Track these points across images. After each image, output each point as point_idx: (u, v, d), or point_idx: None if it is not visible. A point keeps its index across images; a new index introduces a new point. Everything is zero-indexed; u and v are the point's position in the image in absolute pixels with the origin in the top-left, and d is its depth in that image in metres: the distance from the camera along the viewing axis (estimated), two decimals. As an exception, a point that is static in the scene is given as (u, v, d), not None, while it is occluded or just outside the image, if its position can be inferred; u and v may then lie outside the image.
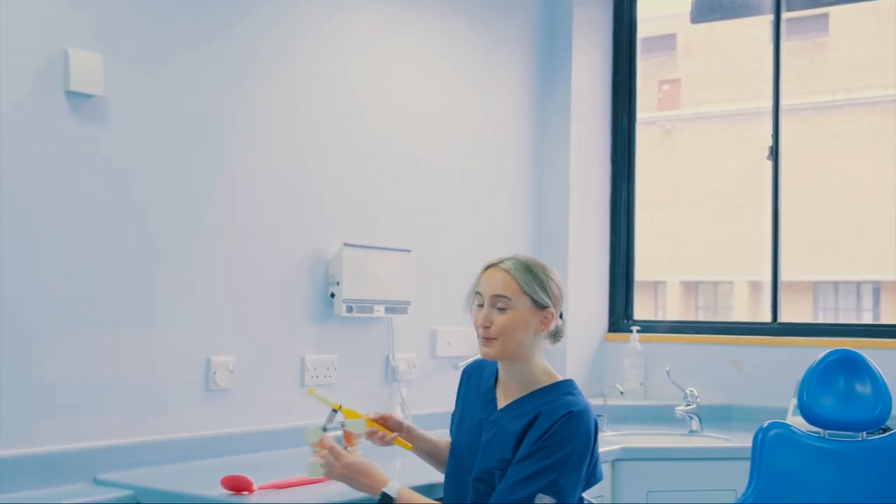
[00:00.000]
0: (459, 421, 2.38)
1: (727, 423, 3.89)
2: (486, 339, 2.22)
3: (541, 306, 2.23)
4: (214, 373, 2.78)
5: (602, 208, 4.36)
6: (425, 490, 2.40)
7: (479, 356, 2.37)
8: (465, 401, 2.39)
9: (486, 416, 2.28)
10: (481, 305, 2.25)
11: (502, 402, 2.28)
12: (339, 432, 2.28)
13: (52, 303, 2.40)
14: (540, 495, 2.09)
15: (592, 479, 2.25)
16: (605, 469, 3.20)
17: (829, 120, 5.73)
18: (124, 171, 2.58)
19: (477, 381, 2.37)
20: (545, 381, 2.26)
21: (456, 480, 2.31)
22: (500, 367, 2.31)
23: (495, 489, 2.16)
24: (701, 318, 7.69)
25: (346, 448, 2.24)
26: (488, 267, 2.27)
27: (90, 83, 2.46)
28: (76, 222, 2.46)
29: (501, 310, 2.22)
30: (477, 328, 2.25)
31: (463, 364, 2.55)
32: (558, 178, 4.18)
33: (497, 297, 2.22)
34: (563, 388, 2.25)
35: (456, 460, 2.33)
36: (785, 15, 4.15)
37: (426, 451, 2.47)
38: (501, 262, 2.26)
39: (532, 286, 2.22)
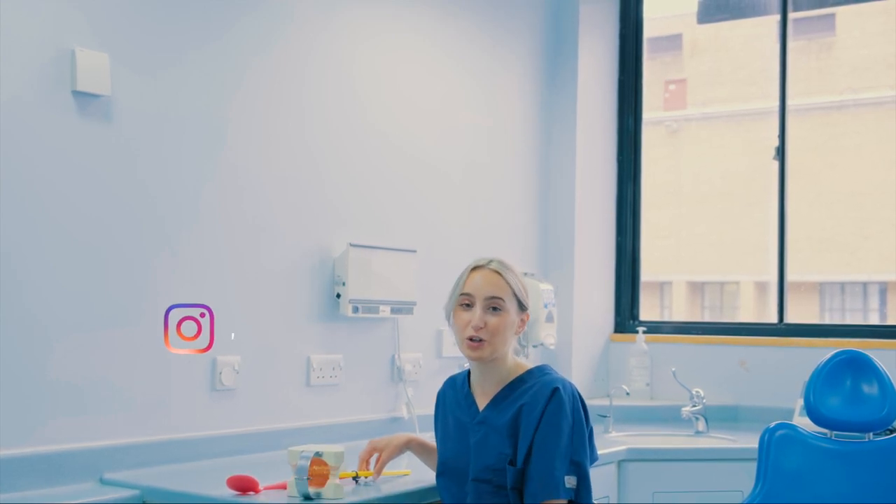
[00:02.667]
0: (443, 435, 2.37)
1: (733, 424, 3.88)
2: (478, 342, 2.23)
3: (523, 308, 2.28)
4: (220, 373, 2.79)
5: (608, 208, 4.36)
6: (427, 492, 2.43)
7: (455, 372, 2.39)
8: (445, 415, 2.39)
9: (470, 419, 2.29)
10: (468, 306, 2.25)
11: (482, 401, 2.30)
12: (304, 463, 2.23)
13: (57, 301, 2.40)
14: (567, 479, 2.16)
15: (592, 455, 2.28)
16: (611, 469, 3.20)
17: (835, 120, 5.72)
18: (131, 171, 2.58)
19: (453, 394, 2.39)
20: (517, 372, 2.30)
21: (451, 490, 2.30)
22: (476, 370, 2.32)
23: (525, 493, 2.17)
24: (707, 318, 7.70)
25: (308, 478, 2.19)
26: (476, 268, 2.29)
27: (97, 83, 2.46)
28: (83, 222, 2.46)
29: (495, 310, 2.24)
30: (463, 330, 2.25)
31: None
32: (564, 179, 4.18)
33: (492, 298, 2.24)
34: (538, 373, 2.29)
35: (448, 472, 2.32)
36: (791, 15, 4.14)
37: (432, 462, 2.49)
38: (489, 263, 2.29)
39: (519, 288, 2.28)
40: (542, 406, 2.18)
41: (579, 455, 2.20)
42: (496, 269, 2.27)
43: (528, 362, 2.35)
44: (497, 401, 2.27)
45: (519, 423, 2.20)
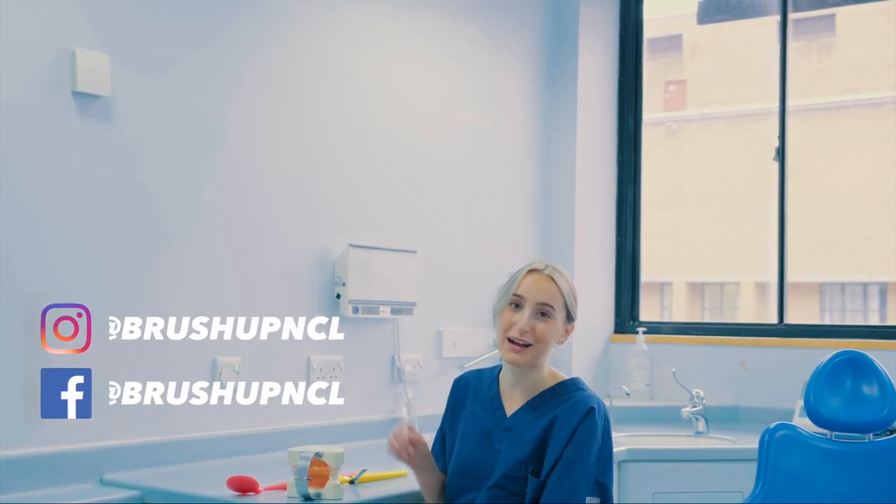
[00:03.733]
0: (462, 434, 2.31)
1: (733, 425, 3.88)
2: (522, 346, 2.21)
3: (570, 318, 2.27)
4: (220, 373, 2.79)
5: (608, 209, 4.36)
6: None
7: (473, 366, 2.36)
8: (463, 411, 2.33)
9: (496, 424, 2.26)
10: (516, 307, 2.23)
11: (511, 407, 2.27)
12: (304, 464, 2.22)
13: (58, 302, 2.40)
14: (588, 499, 2.16)
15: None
16: (611, 470, 3.20)
17: (835, 120, 5.73)
18: (131, 171, 2.58)
19: (476, 392, 2.34)
20: (551, 382, 2.28)
21: (461, 491, 2.26)
22: (510, 373, 2.29)
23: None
24: (707, 319, 7.70)
25: (308, 479, 2.19)
26: (531, 271, 2.25)
27: (97, 84, 2.46)
28: (83, 223, 2.46)
29: (543, 316, 2.22)
30: (506, 330, 2.22)
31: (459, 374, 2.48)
32: (565, 179, 4.18)
33: (543, 304, 2.21)
34: (572, 386, 2.27)
35: (461, 474, 2.27)
36: (791, 15, 4.14)
37: (430, 481, 2.37)
38: (545, 268, 2.26)
39: (570, 297, 2.26)
40: (575, 423, 2.18)
41: (605, 477, 2.21)
42: (551, 276, 2.23)
43: (562, 373, 2.32)
44: (528, 409, 2.25)
45: (549, 436, 2.19)
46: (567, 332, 2.28)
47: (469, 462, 2.28)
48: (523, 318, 2.20)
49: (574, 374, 4.04)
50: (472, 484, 2.24)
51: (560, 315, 2.24)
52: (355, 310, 3.11)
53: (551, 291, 2.22)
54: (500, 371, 2.34)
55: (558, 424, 2.19)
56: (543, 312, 2.22)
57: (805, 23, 4.85)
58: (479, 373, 2.39)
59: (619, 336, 4.30)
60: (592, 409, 2.20)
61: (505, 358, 2.24)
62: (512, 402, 2.28)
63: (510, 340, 2.21)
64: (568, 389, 2.26)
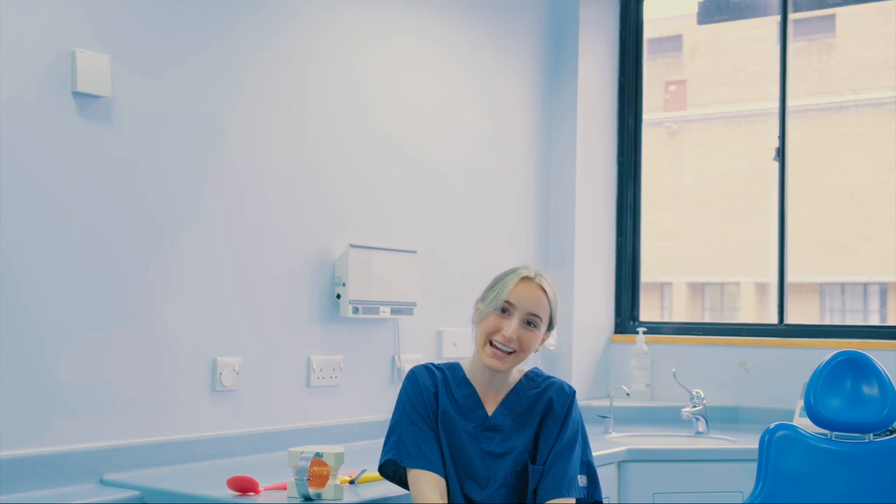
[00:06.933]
0: (448, 436, 2.24)
1: (734, 425, 3.89)
2: (505, 353, 2.21)
3: (550, 327, 2.30)
4: (220, 374, 2.79)
5: (608, 209, 4.36)
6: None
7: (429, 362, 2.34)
8: (441, 408, 2.26)
9: (479, 425, 2.26)
10: (504, 312, 2.22)
11: (489, 405, 2.28)
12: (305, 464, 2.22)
13: (58, 303, 2.41)
14: (579, 478, 2.23)
15: None
16: (611, 470, 3.20)
17: (835, 121, 5.73)
18: (132, 172, 2.58)
19: (446, 390, 2.28)
20: (518, 375, 2.33)
21: (455, 492, 2.24)
22: (484, 374, 2.27)
23: (539, 489, 2.20)
24: (707, 319, 7.70)
25: (308, 479, 2.19)
26: (524, 279, 2.24)
27: (97, 84, 2.46)
28: (83, 223, 2.46)
29: (530, 326, 2.22)
30: (490, 333, 2.21)
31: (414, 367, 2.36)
32: (565, 180, 4.18)
33: (532, 315, 2.22)
34: (536, 375, 2.33)
35: (461, 480, 2.24)
36: (792, 16, 4.14)
37: None
38: (535, 276, 2.25)
39: (555, 308, 2.29)
40: (565, 409, 2.25)
41: (587, 455, 2.29)
42: (543, 287, 2.24)
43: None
44: (508, 406, 2.27)
45: (542, 426, 2.25)
46: (544, 340, 2.30)
47: (459, 465, 2.25)
48: (511, 326, 2.20)
49: (574, 375, 4.08)
50: (472, 482, 2.24)
51: (544, 325, 2.27)
52: (355, 310, 3.11)
53: (541, 302, 2.23)
54: (462, 369, 2.32)
55: (550, 414, 2.25)
56: (530, 322, 2.22)
57: (805, 23, 4.85)
58: (438, 368, 2.32)
59: (620, 336, 4.30)
60: (574, 392, 2.29)
61: (485, 363, 2.22)
62: (488, 402, 2.29)
63: (492, 344, 2.21)
64: (537, 380, 2.31)
